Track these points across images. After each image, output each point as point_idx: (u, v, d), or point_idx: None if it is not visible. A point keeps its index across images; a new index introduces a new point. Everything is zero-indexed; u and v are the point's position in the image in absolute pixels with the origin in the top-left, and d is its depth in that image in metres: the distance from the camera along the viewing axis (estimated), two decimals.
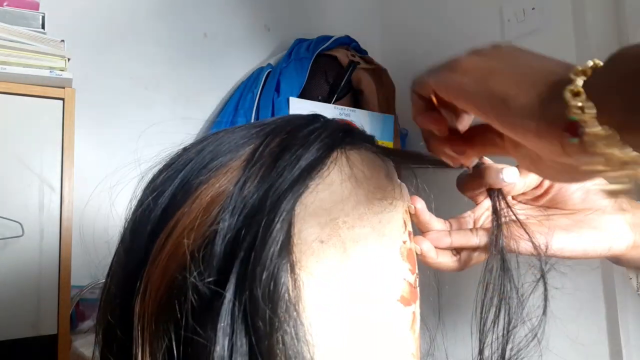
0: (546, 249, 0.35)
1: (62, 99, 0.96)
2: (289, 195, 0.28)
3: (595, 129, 0.20)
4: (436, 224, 0.38)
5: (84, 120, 1.09)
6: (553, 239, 0.36)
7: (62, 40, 1.00)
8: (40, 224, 0.92)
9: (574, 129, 0.21)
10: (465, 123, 0.34)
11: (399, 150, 0.37)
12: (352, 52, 1.32)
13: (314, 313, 0.27)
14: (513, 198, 0.39)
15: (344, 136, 0.34)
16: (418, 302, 0.33)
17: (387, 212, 0.32)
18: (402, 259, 0.32)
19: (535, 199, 0.39)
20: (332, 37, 1.32)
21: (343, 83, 1.28)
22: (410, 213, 0.36)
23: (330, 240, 0.29)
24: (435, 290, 0.41)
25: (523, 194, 0.39)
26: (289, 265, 0.27)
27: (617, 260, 0.40)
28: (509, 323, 0.32)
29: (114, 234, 0.34)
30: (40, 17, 1.00)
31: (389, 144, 1.24)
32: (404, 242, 0.33)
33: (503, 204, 0.36)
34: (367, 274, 0.30)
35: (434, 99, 0.33)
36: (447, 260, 0.37)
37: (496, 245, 0.34)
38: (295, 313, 0.26)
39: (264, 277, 0.26)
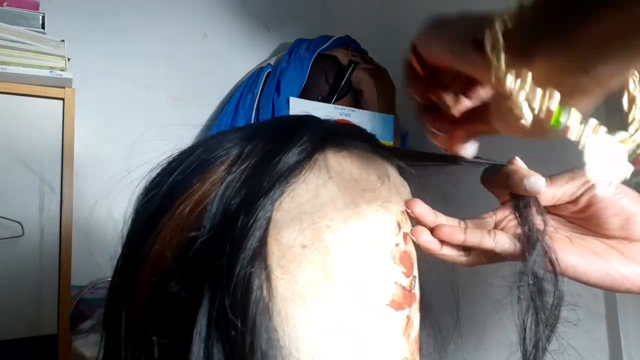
0: (566, 270, 0.33)
1: (62, 99, 0.96)
2: (265, 201, 0.28)
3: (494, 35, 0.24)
4: (445, 222, 0.36)
5: (84, 120, 1.09)
6: (578, 262, 0.33)
7: (62, 40, 1.00)
8: (40, 224, 0.92)
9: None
10: (459, 105, 0.33)
11: (401, 150, 0.36)
12: (352, 52, 1.32)
13: (296, 319, 0.27)
14: (545, 209, 0.36)
15: (329, 138, 0.33)
16: (416, 305, 0.33)
17: (376, 214, 0.31)
18: (393, 262, 0.31)
19: (570, 215, 0.37)
20: (332, 37, 1.32)
21: (343, 83, 1.28)
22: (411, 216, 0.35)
23: (313, 245, 0.28)
24: (451, 292, 0.40)
25: (554, 207, 0.36)
26: (263, 271, 0.27)
27: None
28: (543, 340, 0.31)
29: (113, 236, 0.34)
30: (40, 17, 1.00)
31: (389, 144, 1.24)
32: (397, 245, 0.32)
33: (532, 212, 0.33)
34: (352, 278, 0.29)
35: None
36: (451, 254, 0.35)
37: (530, 261, 0.31)
38: (268, 319, 0.26)
39: (234, 284, 0.25)
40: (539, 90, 0.24)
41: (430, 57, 0.31)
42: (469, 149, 0.35)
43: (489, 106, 0.31)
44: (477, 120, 0.33)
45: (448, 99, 0.33)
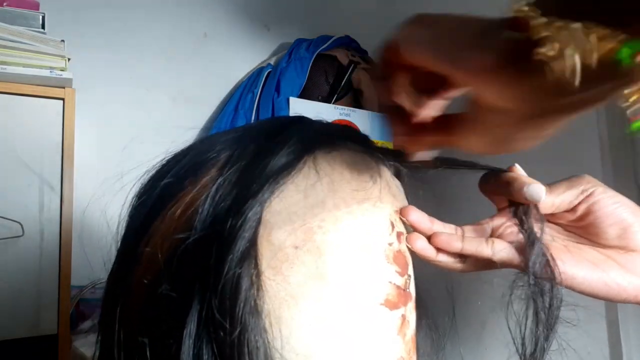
0: (564, 280, 0.32)
1: (62, 99, 0.96)
2: (254, 202, 0.28)
3: (539, 19, 0.20)
4: (441, 230, 0.35)
5: (84, 120, 1.10)
6: (576, 271, 0.33)
7: (62, 40, 1.00)
8: (40, 224, 0.92)
9: (523, 23, 0.21)
10: (424, 111, 0.32)
11: (396, 150, 0.35)
12: (352, 52, 1.32)
13: (289, 320, 0.27)
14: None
15: (319, 139, 0.33)
16: (411, 304, 0.33)
17: (368, 214, 0.31)
18: (387, 261, 0.31)
19: (567, 224, 0.36)
20: (332, 37, 1.32)
21: (343, 83, 1.28)
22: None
23: (305, 246, 0.29)
24: (448, 291, 0.40)
25: (552, 215, 0.36)
26: (253, 272, 0.27)
27: None
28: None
29: (111, 237, 0.34)
30: (40, 17, 1.00)
31: (388, 144, 1.24)
32: (390, 244, 0.32)
33: (532, 219, 0.33)
34: (345, 278, 0.29)
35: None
36: (447, 260, 0.34)
37: (532, 271, 0.31)
38: (257, 320, 0.26)
39: (222, 284, 0.26)
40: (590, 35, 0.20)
41: (413, 58, 0.30)
42: (426, 156, 0.35)
43: (457, 118, 0.30)
44: (440, 130, 0.32)
45: (414, 102, 0.32)
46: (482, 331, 1.01)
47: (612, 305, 0.90)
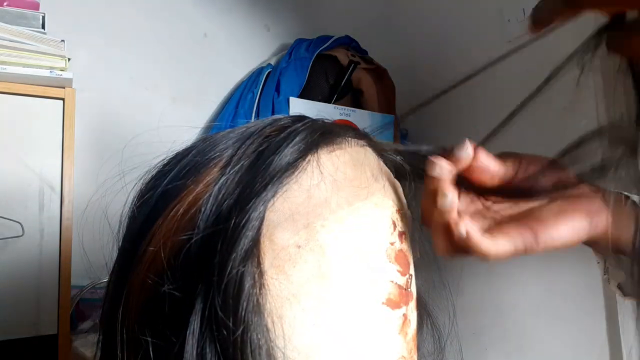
0: (533, 247, 0.34)
1: (62, 99, 0.96)
2: (257, 202, 0.28)
3: None
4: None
5: (84, 120, 1.10)
6: (541, 235, 0.34)
7: (62, 40, 1.00)
8: (40, 224, 0.92)
9: None
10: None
11: (397, 146, 0.36)
12: (352, 52, 1.32)
13: (291, 319, 0.27)
14: (487, 198, 0.37)
15: (322, 138, 0.33)
16: (413, 304, 0.33)
17: (371, 213, 0.32)
18: (388, 260, 0.31)
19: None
20: (332, 37, 1.32)
21: (343, 83, 1.28)
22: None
23: (308, 245, 0.29)
24: (450, 292, 0.41)
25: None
26: (256, 271, 0.27)
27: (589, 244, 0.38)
28: None
29: (111, 237, 0.34)
30: (40, 17, 1.00)
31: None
32: (392, 244, 0.32)
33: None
34: (347, 278, 0.29)
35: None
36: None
37: None
38: (260, 318, 0.26)
39: (225, 283, 0.26)
40: None
41: None
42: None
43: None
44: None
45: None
46: (482, 331, 1.02)
47: (612, 305, 0.90)
